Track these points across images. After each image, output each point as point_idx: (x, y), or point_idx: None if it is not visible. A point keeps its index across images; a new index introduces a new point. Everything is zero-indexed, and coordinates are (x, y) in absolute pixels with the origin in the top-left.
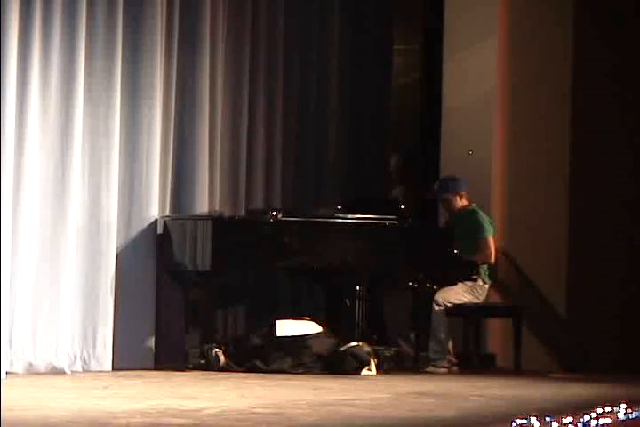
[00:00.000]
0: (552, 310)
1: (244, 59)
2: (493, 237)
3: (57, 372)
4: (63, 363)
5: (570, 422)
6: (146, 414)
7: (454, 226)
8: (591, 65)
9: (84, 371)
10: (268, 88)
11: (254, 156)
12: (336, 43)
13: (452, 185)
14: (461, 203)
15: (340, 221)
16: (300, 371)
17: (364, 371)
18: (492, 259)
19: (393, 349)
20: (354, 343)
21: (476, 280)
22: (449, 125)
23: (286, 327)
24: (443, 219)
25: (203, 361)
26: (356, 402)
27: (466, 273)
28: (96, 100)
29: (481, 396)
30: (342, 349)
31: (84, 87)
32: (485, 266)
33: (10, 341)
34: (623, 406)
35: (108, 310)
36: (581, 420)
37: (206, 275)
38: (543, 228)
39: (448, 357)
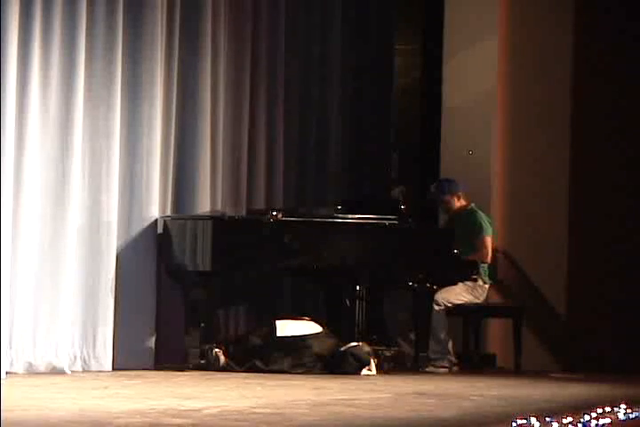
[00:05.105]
0: (552, 310)
1: (245, 59)
2: (492, 236)
3: (57, 372)
4: (63, 363)
5: (570, 423)
6: (146, 414)
7: (454, 226)
8: (591, 65)
9: (84, 371)
10: (269, 88)
11: (255, 156)
12: (337, 43)
13: (448, 187)
14: (459, 203)
15: (340, 221)
16: (299, 371)
17: (364, 371)
18: (488, 258)
19: (393, 349)
20: (354, 343)
21: (476, 280)
22: (449, 125)
23: (286, 327)
24: (443, 219)
25: (203, 361)
26: (356, 402)
27: (466, 273)
28: (96, 100)
29: (481, 396)
30: (342, 349)
31: (84, 87)
32: (485, 266)
33: (10, 341)
34: (623, 406)
35: (108, 310)
36: (581, 420)
37: (206, 275)
38: (543, 228)
39: (448, 357)
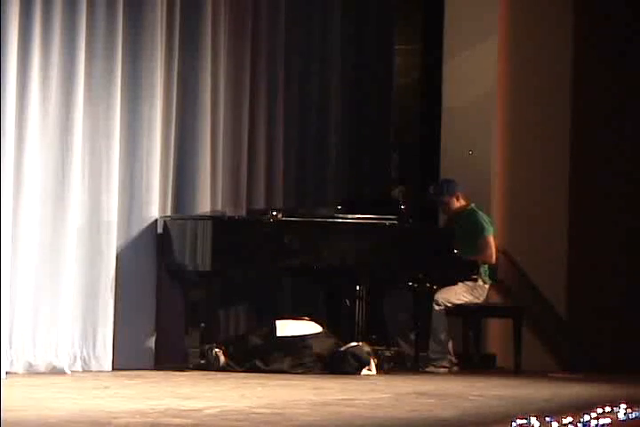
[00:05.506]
0: (552, 310)
1: (245, 59)
2: (493, 236)
3: (57, 372)
4: (63, 363)
5: (570, 422)
6: (146, 414)
7: (454, 226)
8: (591, 64)
9: (84, 371)
10: (269, 88)
11: (255, 156)
12: (337, 43)
13: (447, 187)
14: (459, 203)
15: (340, 221)
16: (299, 371)
17: (364, 371)
18: (493, 259)
19: (393, 349)
20: (354, 343)
21: (476, 280)
22: (449, 125)
23: (286, 327)
24: (443, 219)
25: (203, 361)
26: (356, 402)
27: (466, 273)
28: (96, 100)
29: (481, 396)
30: (342, 349)
31: (84, 87)
32: (486, 266)
33: (10, 341)
34: (623, 406)
35: (108, 310)
36: (581, 420)
37: (206, 275)
38: (543, 228)
39: (448, 357)
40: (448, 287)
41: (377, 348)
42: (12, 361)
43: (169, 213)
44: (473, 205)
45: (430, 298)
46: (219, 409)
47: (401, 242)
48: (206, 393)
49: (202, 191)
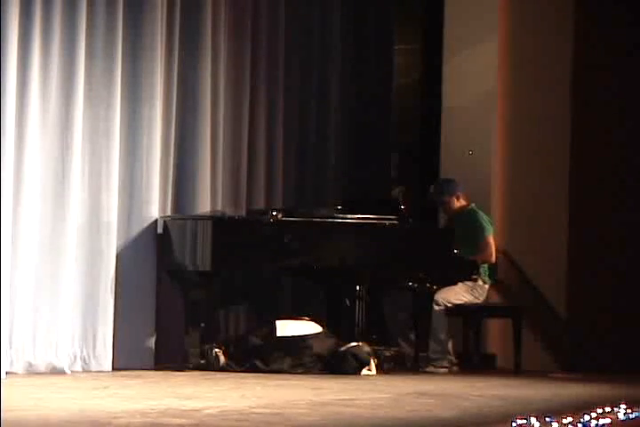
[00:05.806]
0: (552, 310)
1: (245, 59)
2: (493, 236)
3: (57, 372)
4: (63, 363)
5: (570, 423)
6: (146, 414)
7: (454, 226)
8: (591, 64)
9: (84, 371)
10: (269, 88)
11: (255, 156)
12: (337, 43)
13: (447, 187)
14: (459, 203)
15: (340, 221)
16: (299, 371)
17: (364, 371)
18: (493, 258)
19: (393, 349)
20: (354, 343)
21: (476, 280)
22: (449, 125)
23: (286, 327)
24: (443, 219)
25: (203, 361)
26: (356, 402)
27: (466, 273)
28: (96, 100)
29: (481, 396)
30: (342, 349)
31: (84, 87)
32: (485, 266)
33: (10, 341)
34: (623, 406)
35: (108, 310)
36: (581, 420)
37: (206, 275)
38: (543, 228)
39: (448, 357)
40: (448, 287)
41: (377, 348)
42: (11, 361)
43: (169, 213)
44: (473, 205)
45: (430, 298)
46: (219, 409)
47: (401, 242)
48: (206, 393)
49: (202, 191)
